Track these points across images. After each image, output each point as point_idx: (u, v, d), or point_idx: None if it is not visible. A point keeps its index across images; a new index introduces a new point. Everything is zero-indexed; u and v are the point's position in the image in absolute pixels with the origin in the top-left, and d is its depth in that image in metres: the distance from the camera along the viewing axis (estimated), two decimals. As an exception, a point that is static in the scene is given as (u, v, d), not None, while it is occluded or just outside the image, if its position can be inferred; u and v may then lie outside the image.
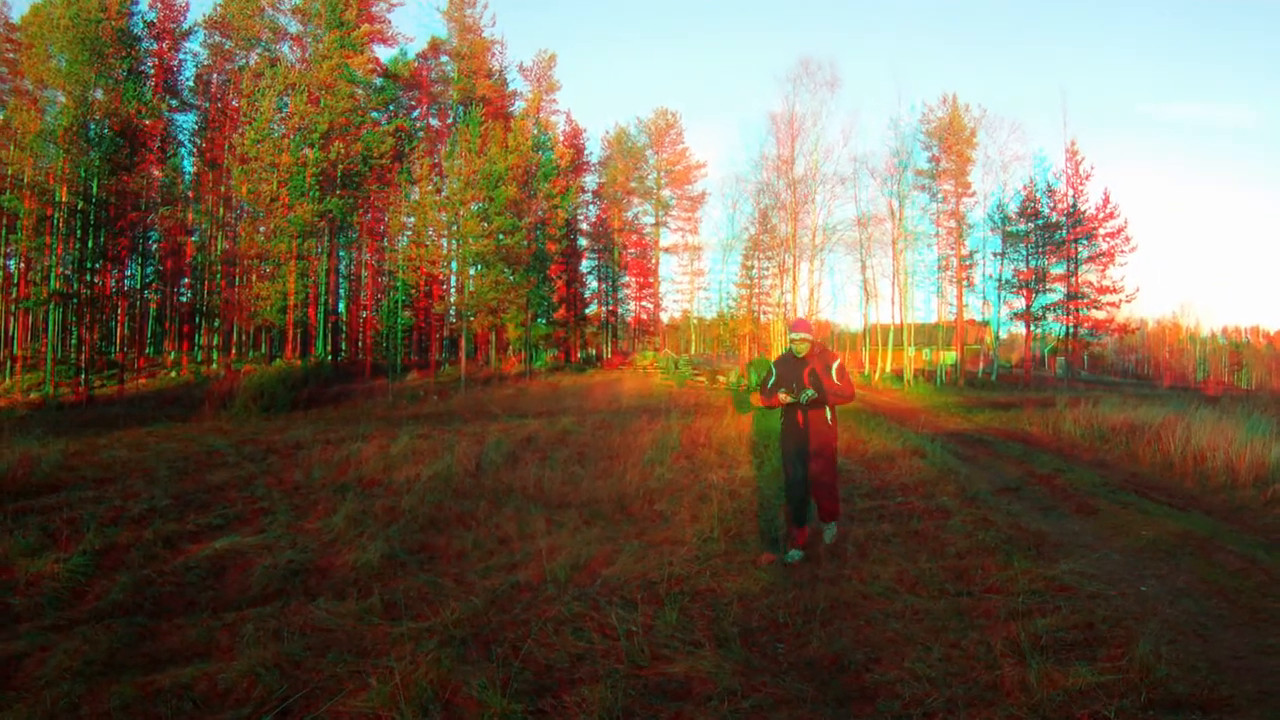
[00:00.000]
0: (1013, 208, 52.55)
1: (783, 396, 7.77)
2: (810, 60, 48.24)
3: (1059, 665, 4.72)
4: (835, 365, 7.90)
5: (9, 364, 41.00)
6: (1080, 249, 49.88)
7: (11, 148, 39.67)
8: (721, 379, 43.66)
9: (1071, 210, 50.15)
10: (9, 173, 40.83)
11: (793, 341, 8.03)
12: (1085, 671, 4.63)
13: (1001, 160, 52.41)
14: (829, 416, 7.93)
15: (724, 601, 6.17)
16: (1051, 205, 51.24)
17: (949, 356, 57.26)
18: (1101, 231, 49.32)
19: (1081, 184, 50.34)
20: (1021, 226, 51.96)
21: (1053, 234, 50.76)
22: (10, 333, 45.88)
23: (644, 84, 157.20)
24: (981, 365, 59.47)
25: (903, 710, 4.30)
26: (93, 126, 38.26)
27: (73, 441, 17.56)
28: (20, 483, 11.06)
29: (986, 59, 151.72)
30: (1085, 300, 49.40)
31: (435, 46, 57.72)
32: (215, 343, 48.72)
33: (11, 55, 45.52)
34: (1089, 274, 49.78)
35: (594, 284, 67.77)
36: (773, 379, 8.09)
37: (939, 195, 54.54)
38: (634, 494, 10.10)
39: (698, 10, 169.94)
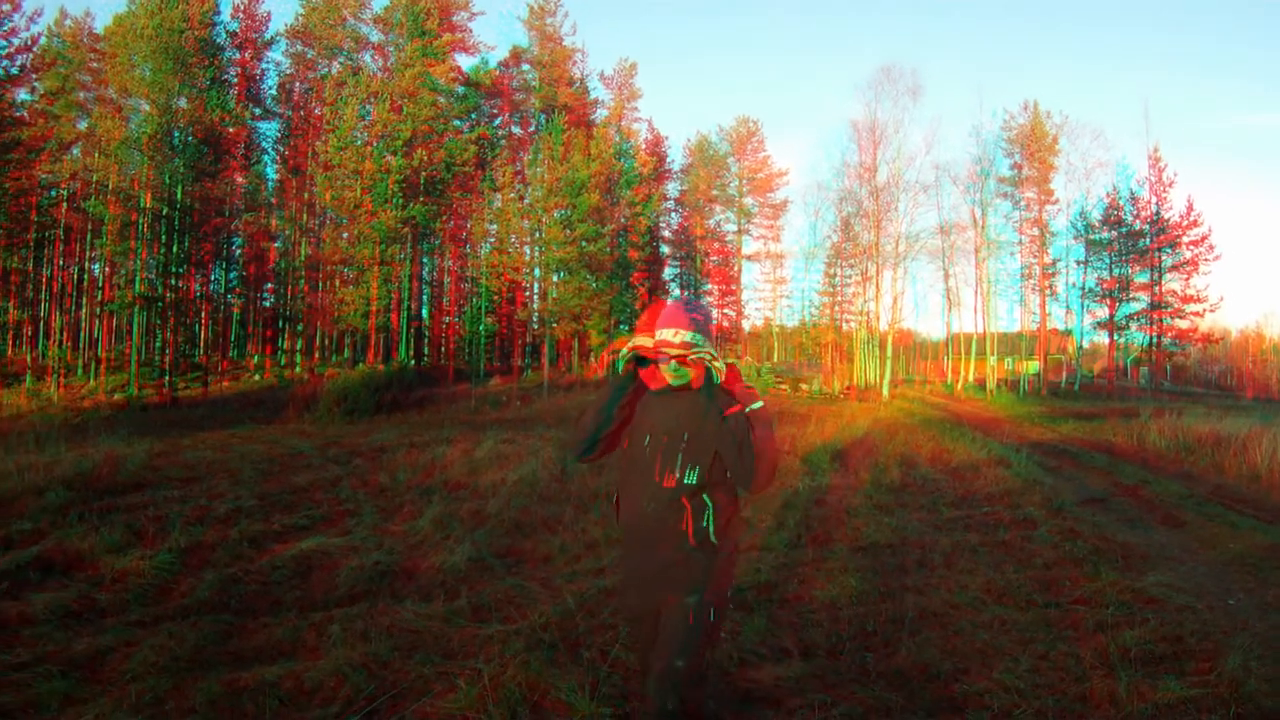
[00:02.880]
0: (1095, 215, 51.78)
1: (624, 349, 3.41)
2: (892, 68, 47.51)
3: (1148, 678, 4.72)
4: (755, 408, 3.32)
5: (94, 365, 41.89)
6: (1163, 257, 48.86)
7: (97, 154, 40.78)
8: (804, 387, 43.56)
9: (1155, 218, 49.13)
10: (95, 179, 42.01)
11: (664, 350, 3.30)
12: (1174, 685, 4.63)
13: (1084, 167, 51.59)
14: (714, 522, 3.29)
15: (811, 609, 6.19)
16: (1135, 213, 50.34)
17: (1032, 366, 56.49)
18: (1185, 239, 48.32)
19: (1165, 191, 49.31)
20: (1104, 234, 51.09)
21: (1136, 242, 49.77)
22: (95, 335, 46.82)
23: (725, 92, 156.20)
24: (1064, 375, 58.39)
25: (991, 721, 4.27)
26: (177, 134, 39.05)
27: (157, 442, 17.94)
28: (106, 481, 11.35)
29: (1067, 66, 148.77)
30: (1169, 309, 48.30)
31: (516, 55, 58.17)
32: (298, 347, 49.44)
33: (96, 65, 46.56)
34: (1172, 283, 48.76)
35: (676, 291, 67.70)
36: (605, 422, 3.41)
37: (1021, 203, 53.73)
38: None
39: (777, 18, 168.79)
